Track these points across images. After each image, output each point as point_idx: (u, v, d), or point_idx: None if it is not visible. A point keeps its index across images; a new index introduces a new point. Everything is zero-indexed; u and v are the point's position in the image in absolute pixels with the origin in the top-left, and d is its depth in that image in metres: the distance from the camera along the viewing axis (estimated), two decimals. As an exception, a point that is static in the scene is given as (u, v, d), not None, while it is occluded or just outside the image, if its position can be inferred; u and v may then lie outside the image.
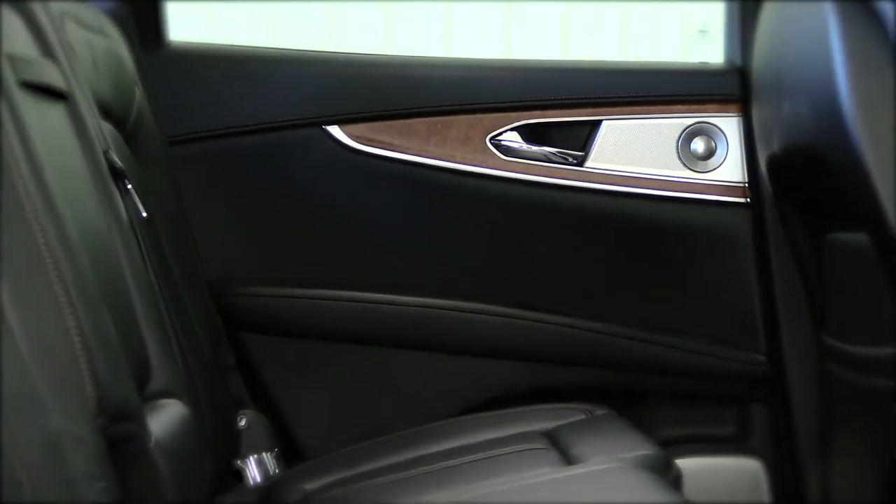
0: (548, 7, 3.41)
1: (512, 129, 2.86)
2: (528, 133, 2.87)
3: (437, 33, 4.07)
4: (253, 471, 2.74)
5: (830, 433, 2.52)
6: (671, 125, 2.83)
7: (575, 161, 2.85)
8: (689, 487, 2.37)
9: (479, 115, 2.86)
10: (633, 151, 2.84)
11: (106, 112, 2.33)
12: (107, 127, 2.30)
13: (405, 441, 2.64)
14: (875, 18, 2.10)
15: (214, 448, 2.34)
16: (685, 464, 2.44)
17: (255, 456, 2.76)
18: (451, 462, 2.43)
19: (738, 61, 2.84)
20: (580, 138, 2.86)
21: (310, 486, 2.52)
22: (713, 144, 2.83)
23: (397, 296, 2.87)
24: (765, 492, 2.86)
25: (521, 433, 2.54)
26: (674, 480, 2.30)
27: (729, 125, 2.83)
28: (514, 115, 2.86)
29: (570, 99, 2.88)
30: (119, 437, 1.70)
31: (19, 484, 1.33)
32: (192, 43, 3.05)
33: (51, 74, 1.97)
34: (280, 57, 3.01)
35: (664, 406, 2.93)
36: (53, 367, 1.52)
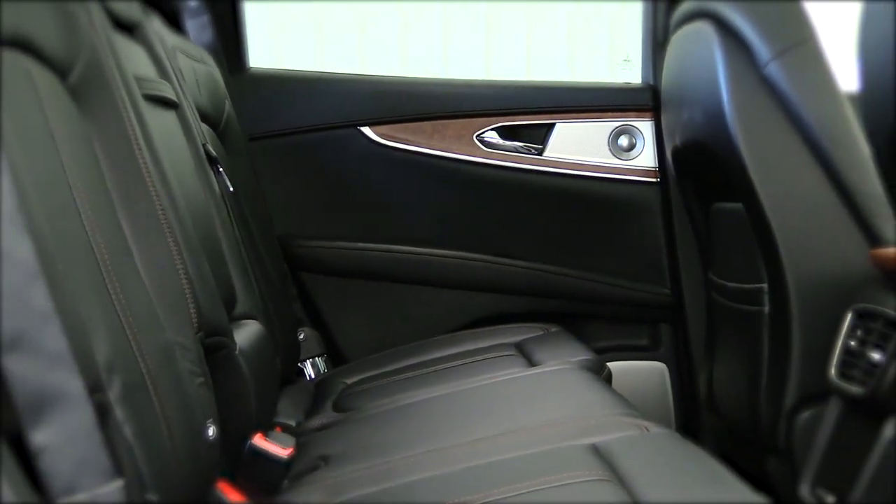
0: (515, 42, 3.41)
1: (492, 129, 2.86)
2: (504, 132, 2.86)
3: (438, 54, 4.05)
4: (309, 370, 2.75)
5: (714, 344, 2.52)
6: (604, 126, 2.83)
7: (536, 152, 2.85)
8: (616, 382, 2.37)
9: (469, 119, 2.86)
10: (578, 145, 2.84)
11: (204, 117, 2.33)
12: (205, 128, 2.29)
13: (414, 350, 2.64)
14: (747, 49, 2.09)
15: (282, 354, 2.34)
16: (613, 366, 2.44)
17: (311, 360, 2.76)
18: (447, 364, 2.43)
19: (651, 81, 2.83)
20: (540, 136, 2.85)
21: (348, 380, 2.53)
22: (634, 140, 2.83)
23: (409, 247, 2.87)
24: (668, 385, 2.87)
25: (497, 344, 2.54)
26: (606, 377, 2.30)
27: (645, 126, 2.82)
28: (493, 119, 2.86)
29: (533, 107, 2.87)
30: (213, 347, 1.71)
31: (143, 376, 1.34)
32: (265, 68, 3.04)
33: (166, 90, 1.97)
34: (328, 77, 3.00)
35: (599, 325, 2.93)
36: (167, 297, 1.53)
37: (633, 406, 1.90)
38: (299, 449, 2.01)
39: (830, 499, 1.88)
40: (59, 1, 1.45)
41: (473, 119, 2.86)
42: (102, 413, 1.15)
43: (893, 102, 1.21)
